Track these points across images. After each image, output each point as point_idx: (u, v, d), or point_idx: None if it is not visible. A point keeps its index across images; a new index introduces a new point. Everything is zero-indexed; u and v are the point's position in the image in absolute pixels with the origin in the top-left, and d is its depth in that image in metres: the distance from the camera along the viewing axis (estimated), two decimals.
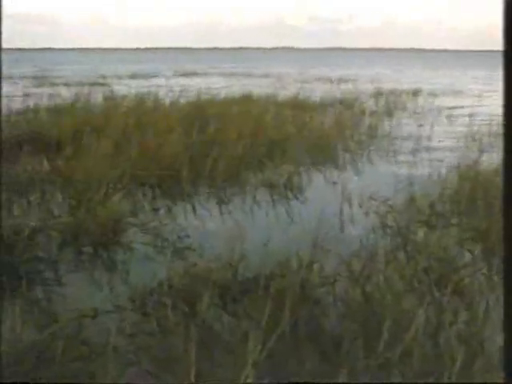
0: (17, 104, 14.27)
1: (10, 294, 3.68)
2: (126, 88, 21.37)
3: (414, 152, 8.79)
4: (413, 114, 13.68)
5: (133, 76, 32.21)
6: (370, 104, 15.00)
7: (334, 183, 6.76)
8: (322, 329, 3.21)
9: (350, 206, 5.77)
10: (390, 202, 5.75)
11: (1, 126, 6.23)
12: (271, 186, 6.48)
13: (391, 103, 14.99)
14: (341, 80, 28.17)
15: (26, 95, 18.00)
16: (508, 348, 1.99)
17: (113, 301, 3.64)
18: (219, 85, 24.27)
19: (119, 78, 31.16)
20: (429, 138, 10.05)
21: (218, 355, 2.97)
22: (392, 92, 18.25)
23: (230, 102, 13.01)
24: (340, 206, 5.70)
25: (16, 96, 17.89)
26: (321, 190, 6.45)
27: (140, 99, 12.90)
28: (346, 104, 14.28)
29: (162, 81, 27.95)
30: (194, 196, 6.15)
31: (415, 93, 19.01)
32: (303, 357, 2.95)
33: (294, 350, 3.02)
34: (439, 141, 9.93)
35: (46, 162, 7.17)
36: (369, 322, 3.19)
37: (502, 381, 2.12)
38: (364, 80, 28.07)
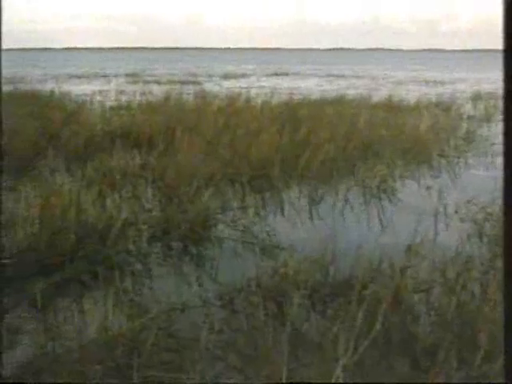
0: (110, 101, 14.78)
1: (103, 284, 3.75)
2: (217, 87, 21.70)
3: None
4: None
5: (224, 76, 32.65)
6: (467, 107, 14.51)
7: (429, 188, 6.53)
8: (414, 336, 3.07)
9: (445, 211, 5.56)
10: (487, 209, 5.49)
11: (1, 126, 6.37)
12: (364, 188, 6.34)
13: (490, 107, 14.41)
14: (437, 82, 27.50)
15: (120, 92, 18.62)
16: (508, 348, 1.91)
17: (201, 296, 3.63)
18: (312, 86, 24.24)
19: (210, 76, 31.68)
20: None
21: (308, 356, 2.89)
22: (491, 95, 17.55)
23: (322, 103, 12.92)
24: (435, 211, 5.50)
25: (110, 93, 18.55)
26: (415, 194, 6.25)
27: (231, 98, 13.01)
28: (443, 107, 13.85)
29: (253, 81, 28.20)
30: (284, 196, 6.09)
31: None
32: (394, 363, 2.84)
33: (385, 355, 2.90)
34: None
35: (138, 158, 7.33)
36: (464, 332, 3.04)
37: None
38: (461, 82, 27.27)
